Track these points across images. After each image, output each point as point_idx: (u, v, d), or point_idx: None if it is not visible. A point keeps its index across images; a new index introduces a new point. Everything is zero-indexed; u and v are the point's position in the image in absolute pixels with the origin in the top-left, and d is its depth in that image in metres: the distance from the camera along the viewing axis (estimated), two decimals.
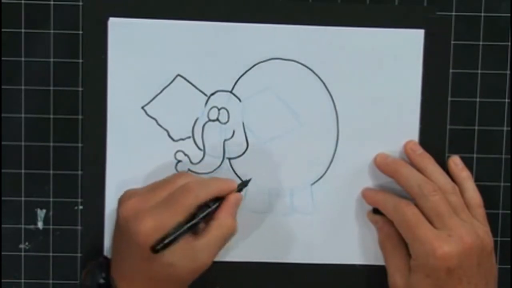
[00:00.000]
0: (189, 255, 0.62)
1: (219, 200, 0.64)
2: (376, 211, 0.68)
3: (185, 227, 0.62)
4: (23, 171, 0.69)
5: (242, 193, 0.66)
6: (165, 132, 0.69)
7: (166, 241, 0.61)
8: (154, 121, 0.69)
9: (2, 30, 0.68)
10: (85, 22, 0.68)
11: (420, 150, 0.68)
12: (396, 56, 0.69)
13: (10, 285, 0.69)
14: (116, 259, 0.65)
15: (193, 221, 0.62)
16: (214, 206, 0.63)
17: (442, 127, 0.69)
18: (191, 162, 0.69)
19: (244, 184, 0.66)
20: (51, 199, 0.69)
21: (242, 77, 0.69)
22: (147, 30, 0.68)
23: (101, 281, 0.65)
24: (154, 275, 0.62)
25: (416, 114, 0.69)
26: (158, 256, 0.61)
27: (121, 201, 0.64)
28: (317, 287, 0.70)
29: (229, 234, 0.64)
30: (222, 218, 0.63)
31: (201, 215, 0.62)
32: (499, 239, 0.70)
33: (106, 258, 0.68)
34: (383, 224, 0.68)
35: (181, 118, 0.69)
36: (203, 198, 0.63)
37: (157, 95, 0.69)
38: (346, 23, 0.68)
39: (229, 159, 0.69)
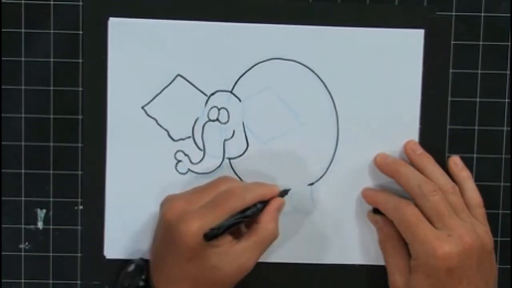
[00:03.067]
0: (232, 258, 0.63)
1: (264, 202, 0.65)
2: (376, 211, 0.68)
3: (237, 217, 0.62)
4: (23, 171, 0.69)
5: None
6: (165, 132, 0.69)
7: (220, 229, 0.61)
8: (154, 121, 0.69)
9: (2, 30, 0.68)
10: (85, 22, 0.68)
11: (420, 150, 0.68)
12: (396, 56, 0.69)
13: (10, 285, 0.69)
14: (157, 261, 0.65)
15: (245, 214, 0.63)
16: (260, 206, 0.64)
17: (442, 127, 0.69)
18: (191, 162, 0.69)
19: (285, 192, 0.67)
20: (51, 199, 0.69)
21: (242, 77, 0.69)
22: (147, 30, 0.68)
23: (141, 283, 0.65)
24: (197, 277, 0.62)
25: (416, 114, 0.69)
26: (202, 258, 0.62)
27: (164, 204, 0.65)
28: (317, 287, 0.70)
29: (271, 239, 0.64)
30: (265, 222, 0.64)
31: (249, 213, 0.63)
32: (499, 239, 0.70)
33: (144, 260, 0.68)
34: (383, 224, 0.68)
35: (181, 118, 0.69)
36: (248, 201, 0.63)
37: (157, 95, 0.69)
38: (346, 23, 0.68)
39: (229, 159, 0.69)
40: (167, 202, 0.65)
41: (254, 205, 0.64)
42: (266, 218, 0.64)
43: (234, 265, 0.63)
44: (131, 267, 0.67)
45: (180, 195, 0.66)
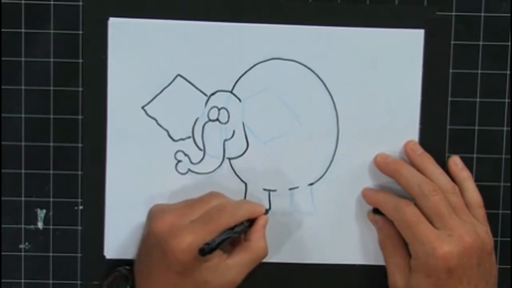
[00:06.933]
0: (222, 273, 0.63)
1: (250, 220, 0.66)
2: (376, 211, 0.69)
3: (227, 233, 0.63)
4: (23, 171, 0.69)
5: (242, 194, 0.67)
6: (165, 132, 0.69)
7: (215, 244, 0.61)
8: (154, 121, 0.69)
9: (2, 30, 0.68)
10: (85, 22, 0.68)
11: (420, 150, 0.68)
12: (396, 56, 0.69)
13: (10, 285, 0.69)
14: (143, 273, 0.65)
15: (234, 230, 0.63)
16: (247, 224, 0.65)
17: (442, 127, 0.69)
18: (191, 162, 0.69)
19: (266, 211, 0.68)
20: (51, 199, 0.69)
21: (242, 77, 0.69)
22: (147, 30, 0.68)
23: None
24: None
25: (416, 114, 0.69)
26: (192, 272, 0.62)
27: (153, 216, 0.65)
28: (317, 287, 0.70)
29: (262, 256, 0.65)
30: (256, 240, 0.65)
31: (238, 229, 0.64)
32: (499, 239, 0.70)
33: (128, 269, 0.67)
34: (383, 224, 0.68)
35: (181, 118, 0.69)
36: (239, 218, 0.64)
37: (157, 95, 0.69)
38: (346, 23, 0.68)
39: (229, 159, 0.69)
40: (157, 215, 0.65)
41: (241, 222, 0.64)
42: (256, 235, 0.65)
43: (223, 279, 0.63)
44: (115, 276, 0.67)
45: (169, 207, 0.66)
